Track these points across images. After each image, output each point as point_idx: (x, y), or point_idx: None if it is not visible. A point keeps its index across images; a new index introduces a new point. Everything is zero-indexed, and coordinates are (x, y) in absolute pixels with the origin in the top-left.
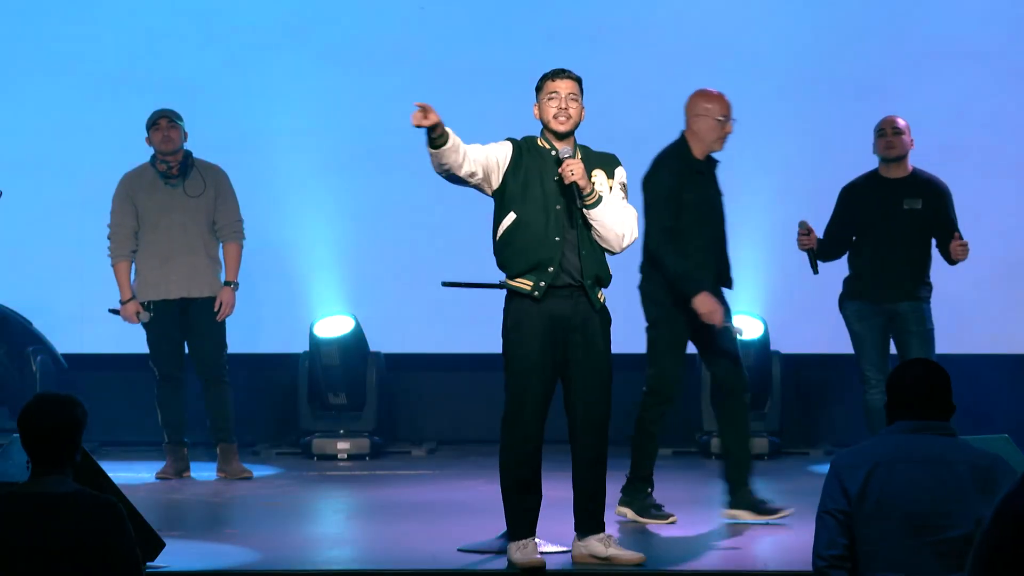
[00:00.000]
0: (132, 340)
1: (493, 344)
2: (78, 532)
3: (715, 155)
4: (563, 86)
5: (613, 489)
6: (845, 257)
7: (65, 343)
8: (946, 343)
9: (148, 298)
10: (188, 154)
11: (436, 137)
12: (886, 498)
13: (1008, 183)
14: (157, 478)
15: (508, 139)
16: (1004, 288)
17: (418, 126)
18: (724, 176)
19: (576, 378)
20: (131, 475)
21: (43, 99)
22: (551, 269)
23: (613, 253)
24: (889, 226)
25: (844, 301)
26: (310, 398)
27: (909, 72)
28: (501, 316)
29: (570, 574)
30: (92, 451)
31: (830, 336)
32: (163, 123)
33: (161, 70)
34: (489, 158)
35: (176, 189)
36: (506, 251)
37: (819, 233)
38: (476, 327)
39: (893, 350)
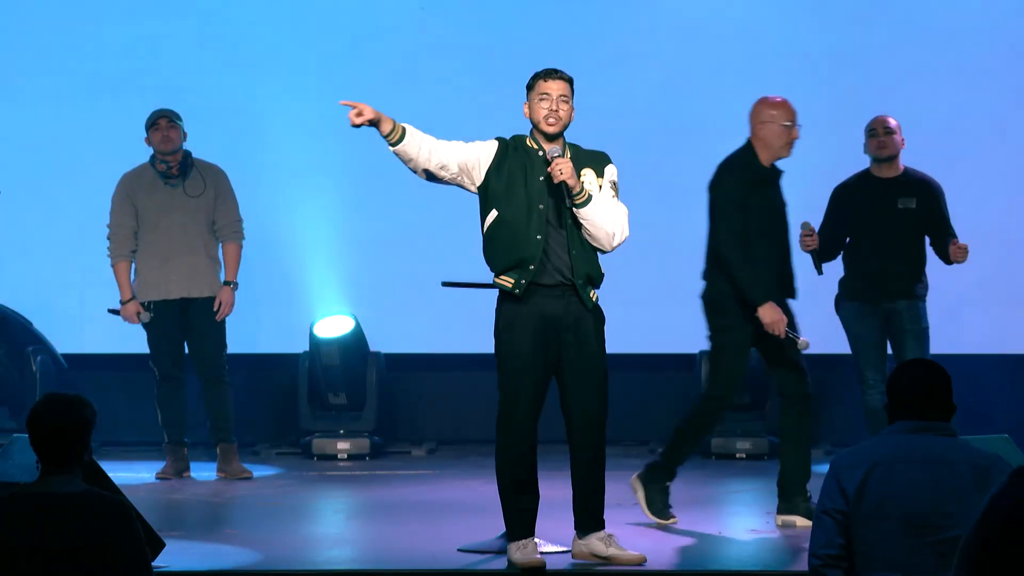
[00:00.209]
0: (132, 340)
1: (493, 344)
2: (88, 532)
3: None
4: (555, 87)
5: (612, 488)
6: (840, 257)
7: (65, 343)
8: (946, 343)
9: (148, 298)
10: (187, 154)
11: (387, 135)
12: (885, 498)
13: (1007, 183)
14: (157, 478)
15: (497, 138)
16: (1004, 288)
17: (354, 126)
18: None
19: (571, 378)
20: (131, 475)
21: (43, 99)
22: (532, 267)
23: (604, 252)
24: (884, 226)
25: (840, 302)
26: (310, 398)
27: (908, 72)
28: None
29: (570, 574)
30: (92, 451)
31: (829, 336)
32: (163, 123)
33: (161, 70)
34: (468, 155)
35: (176, 189)
36: (489, 248)
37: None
38: (476, 327)
39: (890, 350)
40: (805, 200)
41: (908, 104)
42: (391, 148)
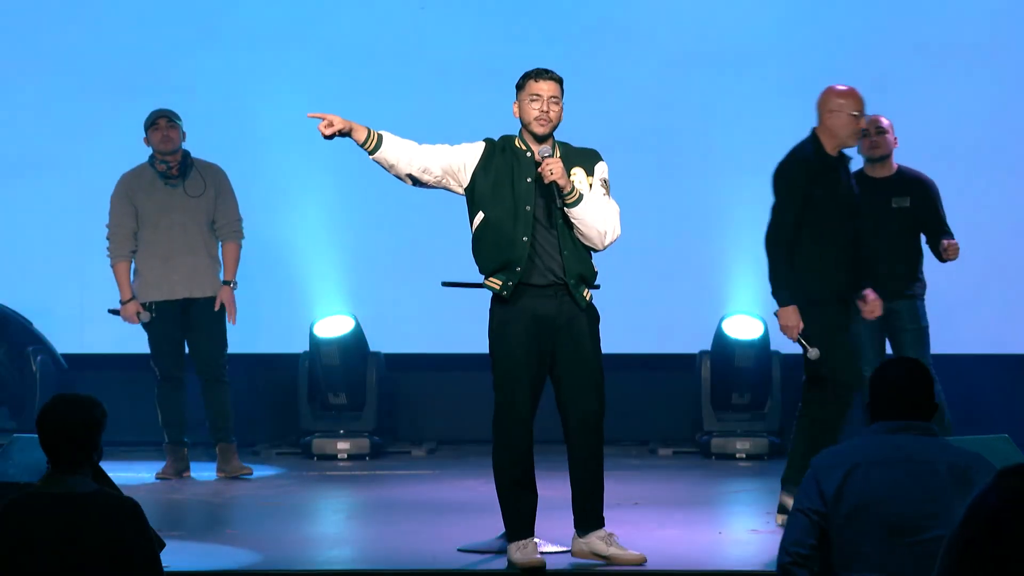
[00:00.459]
0: (132, 340)
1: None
2: (100, 531)
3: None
4: (545, 88)
5: (612, 488)
6: None
7: (65, 343)
8: (946, 343)
9: (150, 298)
10: (187, 154)
11: (363, 143)
12: (865, 498)
13: (1006, 182)
14: (157, 478)
15: (485, 139)
16: (1003, 288)
17: (326, 138)
18: (723, 175)
19: (566, 377)
20: (131, 475)
21: (43, 99)
22: (519, 269)
23: (597, 251)
24: (878, 226)
25: None
26: (310, 398)
27: (906, 72)
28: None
29: (570, 574)
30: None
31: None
32: (162, 123)
33: (161, 70)
34: (452, 158)
35: (176, 189)
36: (476, 250)
37: None
38: (476, 327)
39: (889, 349)
40: None
41: (905, 104)
42: (369, 156)
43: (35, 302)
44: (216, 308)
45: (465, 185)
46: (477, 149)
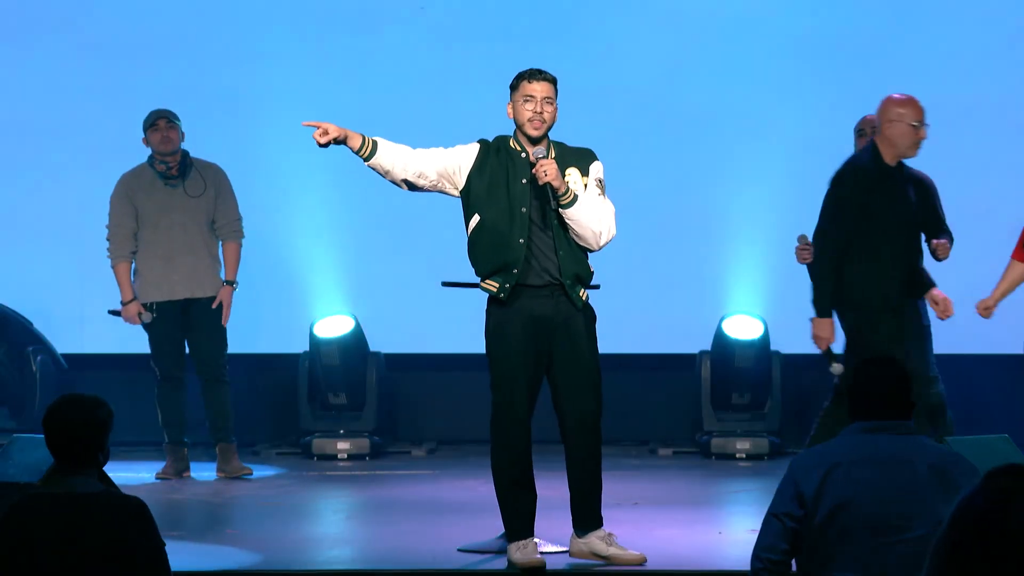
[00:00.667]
0: (132, 340)
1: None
2: (107, 532)
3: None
4: (539, 89)
5: (611, 487)
6: None
7: (65, 343)
8: (946, 343)
9: (151, 299)
10: (186, 154)
11: (358, 150)
12: (844, 499)
13: (1006, 182)
14: (157, 478)
15: (480, 140)
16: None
17: (321, 146)
18: (722, 175)
19: (563, 377)
20: (131, 475)
21: (42, 99)
22: (516, 271)
23: (592, 251)
24: None
25: None
26: (310, 398)
27: (906, 72)
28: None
29: (570, 574)
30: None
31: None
32: (161, 124)
33: (160, 70)
34: (447, 161)
35: (176, 189)
36: (473, 253)
37: None
38: (475, 327)
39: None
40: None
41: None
42: (365, 163)
43: (35, 302)
44: (215, 307)
45: (460, 188)
46: (472, 151)
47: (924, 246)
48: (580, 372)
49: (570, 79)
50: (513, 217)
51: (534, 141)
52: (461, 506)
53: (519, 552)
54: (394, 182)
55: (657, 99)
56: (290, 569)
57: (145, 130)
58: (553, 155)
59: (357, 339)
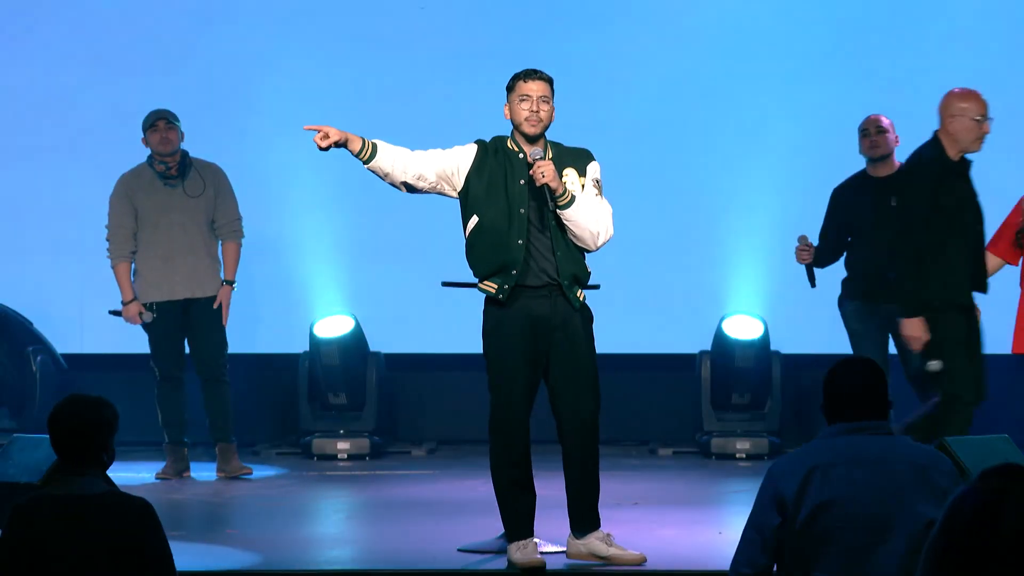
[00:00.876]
0: (132, 340)
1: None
2: (113, 532)
3: (969, 156)
4: (535, 88)
5: (611, 488)
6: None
7: (65, 343)
8: None
9: (151, 299)
10: (185, 154)
11: (358, 153)
12: (825, 501)
13: (1006, 181)
14: (157, 478)
15: (477, 140)
16: (1003, 288)
17: (321, 150)
18: (722, 175)
19: (561, 378)
20: (131, 475)
21: (42, 99)
22: (515, 272)
23: (590, 251)
24: (880, 225)
25: (843, 302)
26: (310, 398)
27: (906, 71)
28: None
29: (570, 574)
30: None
31: (829, 336)
32: (161, 124)
33: (160, 69)
34: (446, 163)
35: (176, 189)
36: (471, 254)
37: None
38: (476, 327)
39: (892, 349)
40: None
41: (906, 103)
42: (365, 166)
43: (35, 302)
44: (216, 307)
45: (459, 189)
46: (469, 152)
47: None
48: (578, 373)
49: (571, 80)
50: (512, 218)
51: (531, 140)
52: (461, 506)
53: (519, 552)
54: (393, 184)
55: (657, 100)
56: (290, 569)
57: (144, 130)
58: (550, 155)
59: (357, 339)
